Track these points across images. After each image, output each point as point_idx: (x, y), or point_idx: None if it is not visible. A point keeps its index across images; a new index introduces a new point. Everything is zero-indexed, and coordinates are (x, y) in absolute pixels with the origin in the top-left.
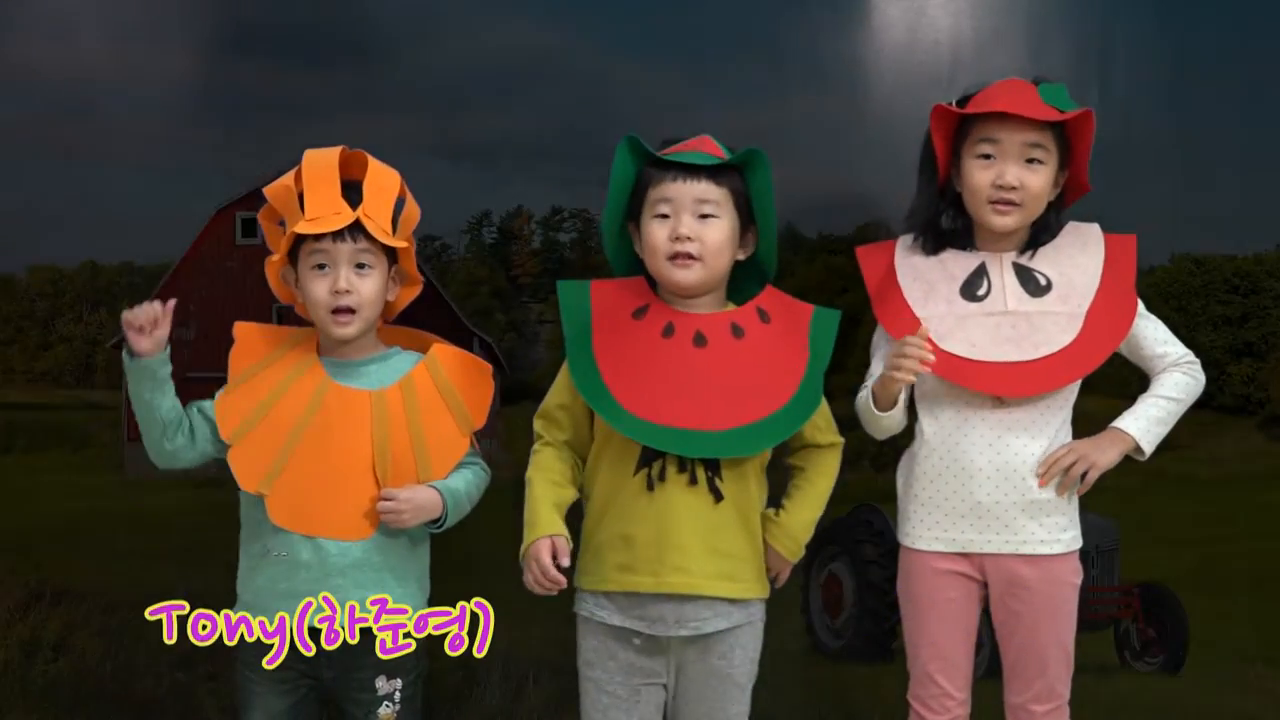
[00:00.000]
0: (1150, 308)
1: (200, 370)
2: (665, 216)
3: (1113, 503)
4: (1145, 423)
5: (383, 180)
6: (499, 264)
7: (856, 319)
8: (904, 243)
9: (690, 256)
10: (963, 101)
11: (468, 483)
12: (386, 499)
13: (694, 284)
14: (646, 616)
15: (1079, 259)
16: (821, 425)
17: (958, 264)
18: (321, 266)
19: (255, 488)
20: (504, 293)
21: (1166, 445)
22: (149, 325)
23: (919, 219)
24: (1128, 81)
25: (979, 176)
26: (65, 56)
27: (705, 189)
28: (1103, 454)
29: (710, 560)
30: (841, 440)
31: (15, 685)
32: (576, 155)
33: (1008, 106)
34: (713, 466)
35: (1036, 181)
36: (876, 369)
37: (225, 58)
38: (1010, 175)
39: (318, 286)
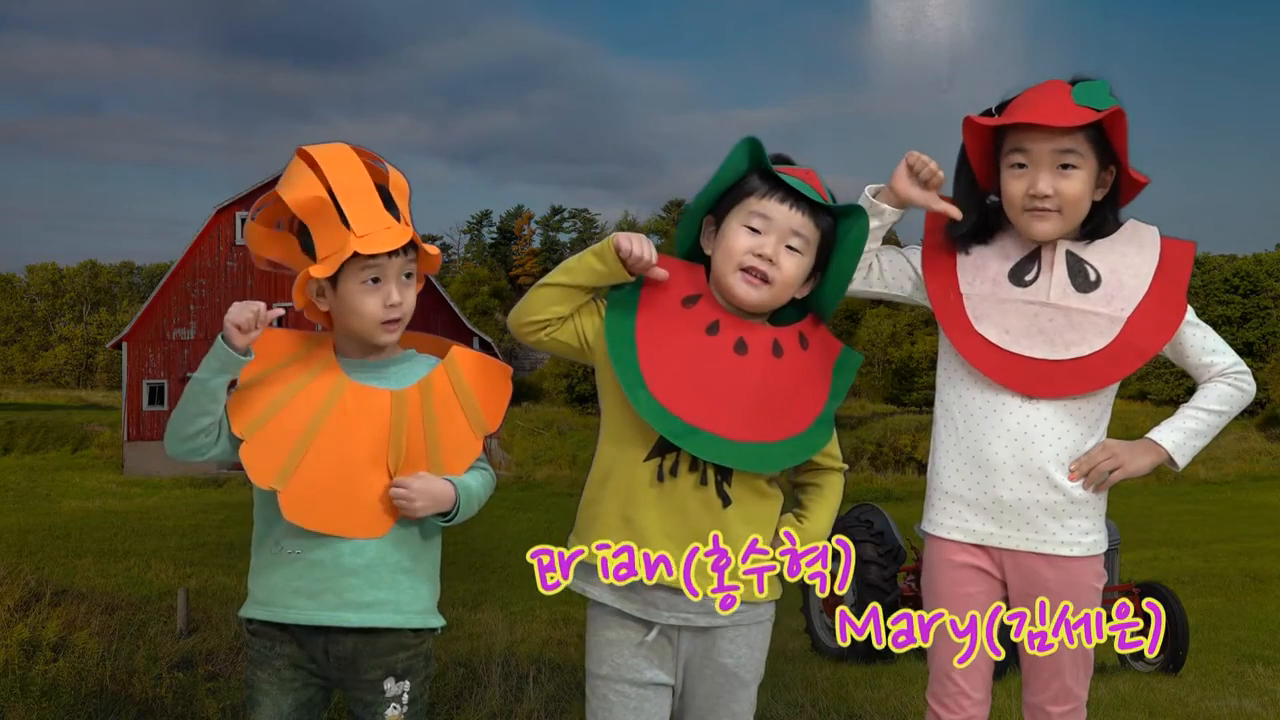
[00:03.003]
0: None
1: None
2: (755, 230)
3: (1113, 503)
4: (1181, 435)
5: (402, 183)
6: (499, 264)
7: (856, 317)
8: (948, 235)
9: (764, 279)
10: (1001, 107)
11: (479, 483)
12: (399, 486)
13: (755, 305)
14: (639, 600)
15: (1133, 259)
16: (832, 452)
17: (1014, 244)
18: (374, 280)
19: (269, 483)
20: (504, 293)
21: None
22: (248, 325)
23: (961, 228)
24: (1127, 82)
25: (1013, 186)
26: (65, 56)
27: (803, 222)
28: (1134, 459)
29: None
30: (845, 467)
31: (15, 685)
32: (576, 155)
33: (1030, 116)
34: (724, 471)
35: (1071, 187)
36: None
37: (225, 58)
38: (1042, 184)
39: (370, 300)
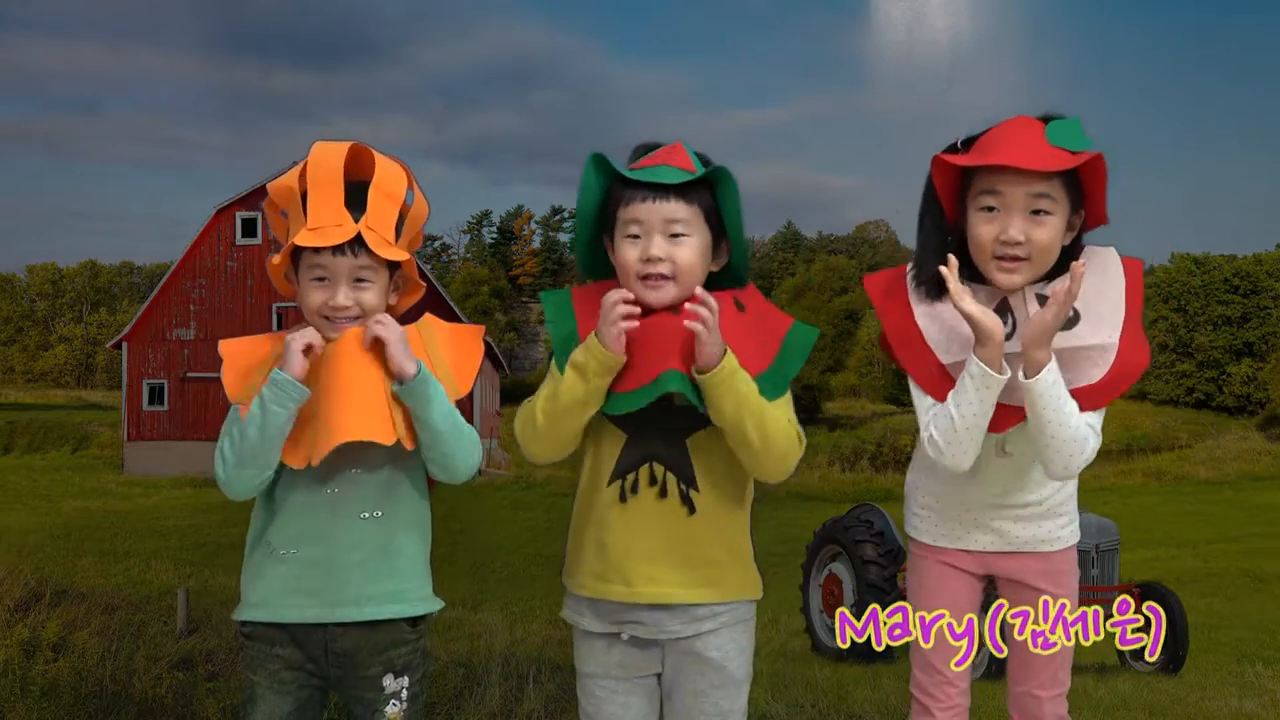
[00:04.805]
0: (1150, 308)
1: (200, 371)
2: (636, 237)
3: (1113, 503)
4: (1054, 380)
5: (389, 185)
6: (499, 264)
7: (856, 317)
8: (914, 280)
9: (663, 276)
10: (968, 143)
11: (444, 397)
12: (378, 321)
13: (668, 304)
14: (623, 621)
15: (1101, 286)
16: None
17: (977, 301)
18: (321, 279)
19: (302, 462)
20: (504, 293)
21: (1166, 445)
22: (312, 348)
23: (926, 270)
24: (1127, 82)
25: (982, 230)
26: (65, 57)
27: (674, 208)
28: (1046, 340)
29: (683, 570)
30: (800, 434)
31: (15, 685)
32: (576, 155)
33: (1008, 158)
34: (686, 479)
35: (1044, 235)
36: (929, 412)
37: (225, 58)
38: (1014, 230)
39: (314, 297)
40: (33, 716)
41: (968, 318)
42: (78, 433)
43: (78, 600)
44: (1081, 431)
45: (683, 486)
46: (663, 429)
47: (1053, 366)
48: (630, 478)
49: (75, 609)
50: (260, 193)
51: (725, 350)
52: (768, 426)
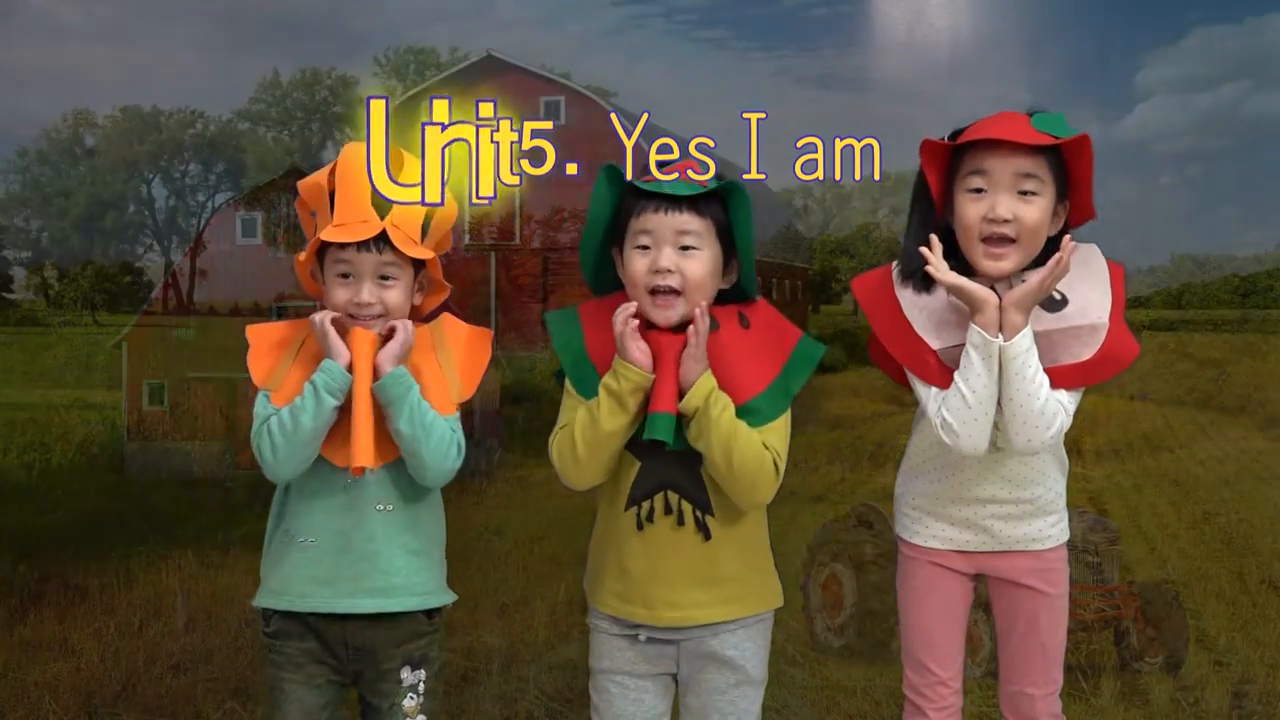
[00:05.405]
0: (1150, 307)
1: (200, 370)
2: (646, 248)
3: (1113, 503)
4: (1029, 346)
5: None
6: (499, 264)
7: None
8: (901, 274)
9: (673, 291)
10: (955, 135)
11: (424, 405)
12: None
13: (674, 323)
14: (641, 627)
15: (1085, 275)
16: (770, 440)
17: None
18: (345, 275)
19: (345, 461)
20: (504, 293)
21: (1166, 445)
22: (337, 320)
23: (915, 263)
24: (1127, 82)
25: (969, 210)
26: (65, 56)
27: (686, 220)
28: (1024, 307)
29: (703, 591)
30: (780, 467)
31: (15, 685)
32: (576, 155)
33: (996, 133)
34: (701, 505)
35: (1031, 213)
36: (937, 398)
37: (226, 57)
38: (1002, 207)
39: (339, 294)
40: (33, 717)
41: (957, 290)
42: (78, 433)
43: (78, 600)
44: (1051, 406)
45: (698, 514)
46: (677, 454)
47: (1028, 333)
48: (646, 505)
49: (75, 609)
50: (260, 193)
51: (705, 371)
52: (734, 449)
